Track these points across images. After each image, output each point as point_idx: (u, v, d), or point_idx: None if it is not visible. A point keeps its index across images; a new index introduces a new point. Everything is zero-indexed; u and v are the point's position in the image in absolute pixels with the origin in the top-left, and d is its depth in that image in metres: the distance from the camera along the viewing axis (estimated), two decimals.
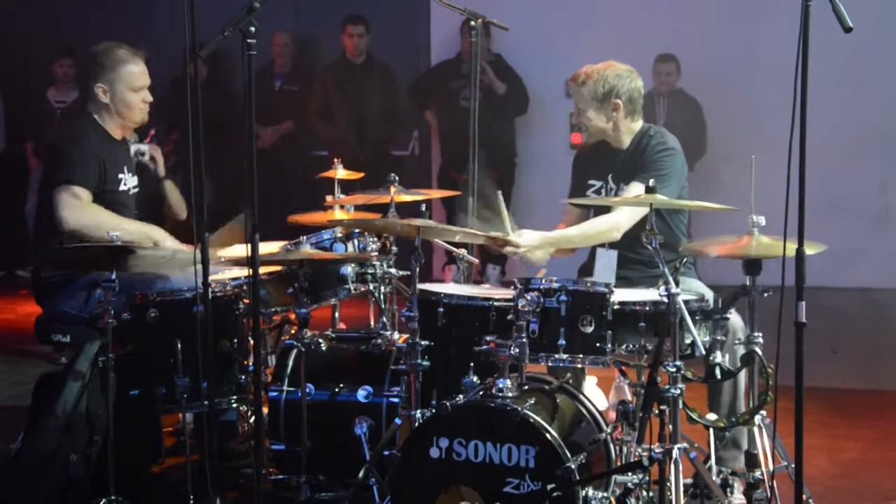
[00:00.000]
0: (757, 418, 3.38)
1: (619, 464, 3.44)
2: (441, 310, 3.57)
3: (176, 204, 4.53)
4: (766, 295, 3.32)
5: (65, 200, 4.00)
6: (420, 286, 3.52)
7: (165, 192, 4.52)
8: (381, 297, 4.10)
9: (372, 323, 4.29)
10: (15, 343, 6.40)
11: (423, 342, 3.46)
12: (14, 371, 5.87)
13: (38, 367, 5.17)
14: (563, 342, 3.33)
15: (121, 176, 4.23)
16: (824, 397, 5.26)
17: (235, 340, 3.84)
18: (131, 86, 4.20)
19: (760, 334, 3.35)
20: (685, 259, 3.66)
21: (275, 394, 3.86)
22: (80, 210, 4.00)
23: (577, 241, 4.05)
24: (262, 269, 3.81)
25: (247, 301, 3.82)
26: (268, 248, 4.01)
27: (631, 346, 3.36)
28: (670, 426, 3.16)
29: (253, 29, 3.07)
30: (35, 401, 3.84)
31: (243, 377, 3.83)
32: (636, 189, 3.89)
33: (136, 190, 4.35)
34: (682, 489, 3.13)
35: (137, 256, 3.60)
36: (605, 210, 4.03)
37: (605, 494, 3.23)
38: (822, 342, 6.33)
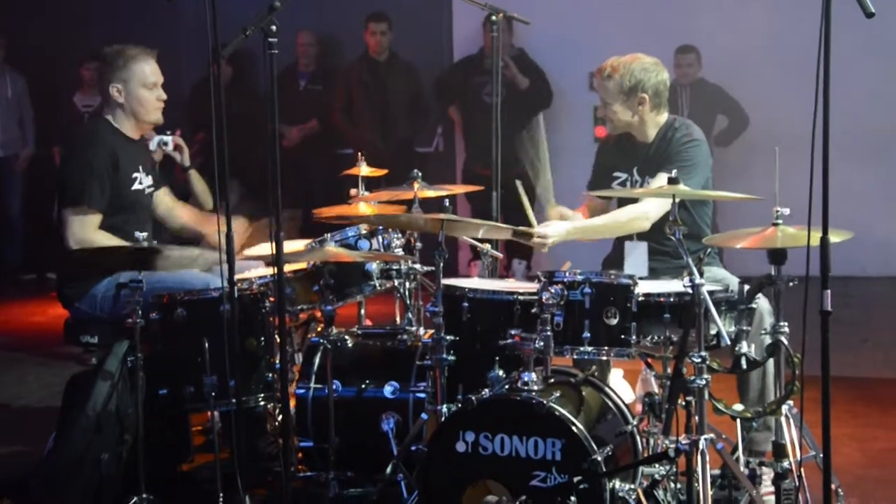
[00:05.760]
0: (784, 408, 3.36)
1: (645, 455, 3.44)
2: (465, 304, 3.58)
3: (201, 194, 4.57)
4: (791, 284, 3.30)
5: (73, 225, 4.10)
6: (444, 281, 3.52)
7: (191, 181, 4.56)
8: (407, 293, 4.11)
9: (397, 319, 4.30)
10: (46, 345, 6.46)
11: (448, 337, 3.46)
12: (46, 373, 5.94)
13: (70, 368, 5.24)
14: (588, 335, 3.33)
15: (135, 175, 4.25)
16: (855, 387, 5.23)
17: (262, 338, 3.86)
18: (144, 83, 4.22)
19: (786, 324, 3.33)
20: (709, 250, 3.65)
21: (302, 391, 3.89)
22: (85, 238, 4.07)
23: (605, 231, 4.05)
24: (288, 268, 3.83)
25: (273, 299, 3.84)
26: (293, 245, 4.03)
27: (656, 337, 3.35)
28: (697, 417, 3.16)
29: (274, 28, 3.10)
30: (66, 402, 3.88)
31: (270, 375, 3.85)
32: (662, 181, 3.88)
33: (152, 189, 4.37)
34: (709, 480, 3.11)
35: (163, 257, 3.63)
36: (630, 202, 4.02)
37: (633, 486, 3.23)
38: (853, 331, 6.30)
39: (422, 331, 4.02)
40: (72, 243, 4.08)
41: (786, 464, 3.38)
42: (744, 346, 3.30)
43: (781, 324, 3.34)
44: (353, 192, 4.43)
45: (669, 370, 3.41)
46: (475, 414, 3.21)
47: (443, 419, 3.37)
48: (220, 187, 3.28)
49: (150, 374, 3.61)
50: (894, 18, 6.30)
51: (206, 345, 3.65)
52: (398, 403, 3.79)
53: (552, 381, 3.37)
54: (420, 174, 4.21)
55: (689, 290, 3.14)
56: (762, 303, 3.64)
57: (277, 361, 3.81)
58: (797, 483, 3.32)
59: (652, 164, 4.08)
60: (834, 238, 2.82)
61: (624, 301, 3.32)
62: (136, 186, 4.26)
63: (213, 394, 3.66)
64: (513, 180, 4.12)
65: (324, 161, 8.43)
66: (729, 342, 3.26)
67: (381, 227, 4.07)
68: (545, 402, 3.14)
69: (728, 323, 3.36)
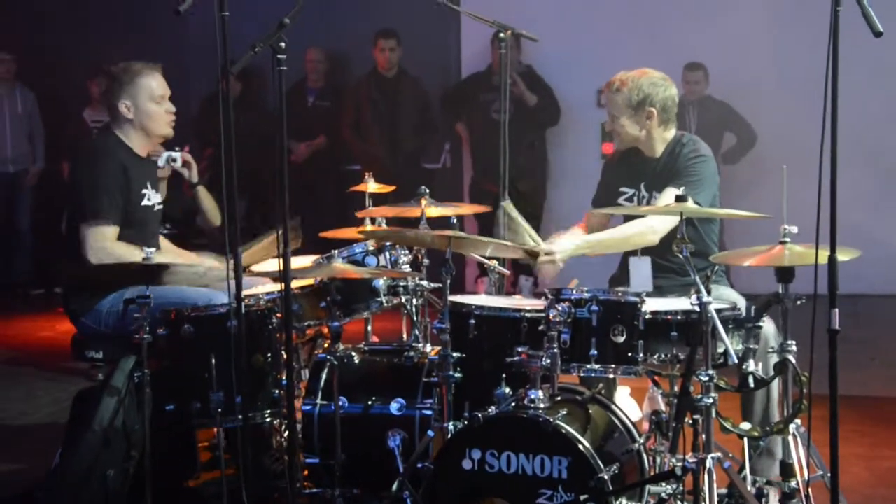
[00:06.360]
0: (791, 427, 3.35)
1: (652, 474, 3.42)
2: (472, 321, 3.58)
3: (209, 210, 4.57)
4: (798, 303, 3.29)
5: (89, 237, 4.05)
6: (451, 298, 3.52)
7: (199, 197, 4.56)
8: (414, 309, 4.11)
9: (404, 335, 4.30)
10: (54, 360, 6.48)
11: (454, 354, 3.47)
12: (53, 388, 5.95)
13: (78, 383, 5.23)
14: (595, 352, 3.33)
15: (144, 192, 4.25)
16: (863, 406, 5.21)
17: (269, 355, 3.86)
18: (151, 96, 4.22)
19: (794, 342, 3.33)
20: (716, 267, 3.65)
21: (308, 407, 3.88)
22: (103, 250, 4.03)
23: (613, 245, 4.04)
24: (295, 284, 3.83)
25: (280, 315, 3.84)
26: (300, 262, 4.03)
27: (663, 355, 3.34)
28: (703, 436, 3.15)
29: (283, 45, 3.11)
30: (73, 417, 3.89)
31: (277, 391, 3.84)
32: (670, 196, 3.87)
33: (161, 206, 4.37)
34: (716, 499, 3.11)
35: (171, 273, 3.64)
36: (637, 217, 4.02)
37: None
38: (861, 350, 6.28)
39: (428, 347, 4.01)
40: (91, 258, 4.03)
41: (793, 483, 3.37)
42: (751, 365, 3.29)
43: (789, 342, 3.33)
44: (360, 214, 4.44)
45: (676, 388, 3.40)
46: (482, 431, 3.21)
47: (449, 436, 3.36)
48: (227, 203, 3.28)
49: (156, 390, 3.60)
50: None
51: (213, 361, 3.65)
52: (404, 420, 3.78)
53: (559, 398, 3.36)
54: (427, 190, 4.21)
55: (697, 308, 3.13)
56: (767, 323, 3.63)
57: (284, 378, 3.81)
58: (805, 503, 3.30)
59: (659, 179, 4.08)
60: (842, 257, 2.81)
61: (631, 319, 3.32)
62: (144, 203, 4.25)
63: (220, 410, 3.66)
64: (515, 199, 4.13)
65: (332, 177, 8.46)
66: (736, 360, 3.26)
67: (388, 244, 4.07)
68: (552, 419, 3.14)
69: (735, 341, 3.35)
